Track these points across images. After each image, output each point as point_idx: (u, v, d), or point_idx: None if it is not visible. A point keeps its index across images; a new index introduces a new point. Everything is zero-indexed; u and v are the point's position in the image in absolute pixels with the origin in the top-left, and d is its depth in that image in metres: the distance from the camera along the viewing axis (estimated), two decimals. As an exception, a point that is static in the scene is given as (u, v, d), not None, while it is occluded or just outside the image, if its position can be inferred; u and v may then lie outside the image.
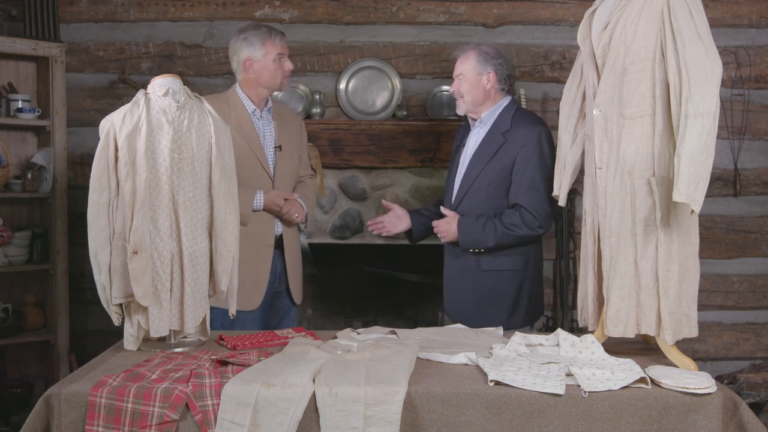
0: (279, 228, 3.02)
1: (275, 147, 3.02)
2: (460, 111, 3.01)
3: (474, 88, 2.94)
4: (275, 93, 3.24)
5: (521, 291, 2.93)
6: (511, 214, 2.87)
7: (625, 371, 2.07)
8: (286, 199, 2.96)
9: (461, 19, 4.08)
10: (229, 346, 2.40)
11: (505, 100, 3.01)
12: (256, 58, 2.95)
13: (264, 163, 2.98)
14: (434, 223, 3.01)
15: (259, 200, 2.91)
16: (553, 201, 2.78)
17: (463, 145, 3.06)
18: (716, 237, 4.15)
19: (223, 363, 2.17)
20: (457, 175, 3.02)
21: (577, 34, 2.39)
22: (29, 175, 3.75)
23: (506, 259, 2.92)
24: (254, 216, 2.91)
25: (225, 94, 3.05)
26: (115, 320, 2.32)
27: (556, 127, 2.69)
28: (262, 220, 2.95)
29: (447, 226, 2.94)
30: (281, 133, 3.06)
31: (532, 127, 2.93)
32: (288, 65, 3.02)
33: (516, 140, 2.90)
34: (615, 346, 2.35)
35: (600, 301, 2.38)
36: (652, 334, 2.27)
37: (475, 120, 3.03)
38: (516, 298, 2.93)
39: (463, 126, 3.17)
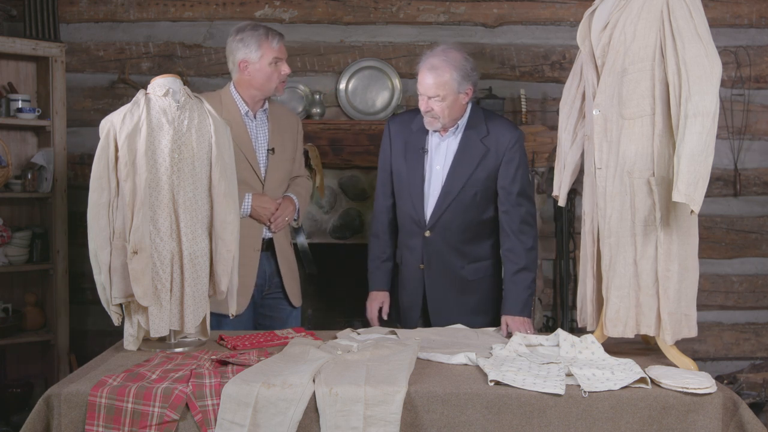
0: (267, 232, 2.92)
1: (268, 150, 2.92)
2: (434, 127, 2.76)
3: (452, 107, 2.70)
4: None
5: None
6: (517, 249, 2.77)
7: (625, 371, 2.07)
8: (277, 208, 2.88)
9: (461, 19, 4.08)
10: (229, 346, 2.40)
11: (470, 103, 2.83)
12: (252, 60, 2.83)
13: (255, 166, 2.87)
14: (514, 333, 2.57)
15: (247, 206, 2.81)
16: (534, 199, 2.91)
17: (426, 152, 2.81)
18: (716, 237, 4.14)
19: (223, 363, 2.17)
20: (429, 185, 2.81)
21: (577, 34, 2.39)
22: (29, 175, 3.75)
23: (488, 263, 2.88)
24: (241, 220, 2.68)
25: (218, 93, 2.92)
26: (115, 320, 2.33)
27: (556, 127, 2.68)
28: (249, 223, 2.83)
29: (521, 326, 2.70)
30: (275, 136, 2.96)
31: (511, 132, 2.79)
32: (285, 69, 2.88)
33: (499, 147, 2.76)
34: (615, 346, 2.35)
35: (600, 302, 2.37)
36: (651, 334, 2.27)
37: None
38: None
39: (399, 124, 2.91)
